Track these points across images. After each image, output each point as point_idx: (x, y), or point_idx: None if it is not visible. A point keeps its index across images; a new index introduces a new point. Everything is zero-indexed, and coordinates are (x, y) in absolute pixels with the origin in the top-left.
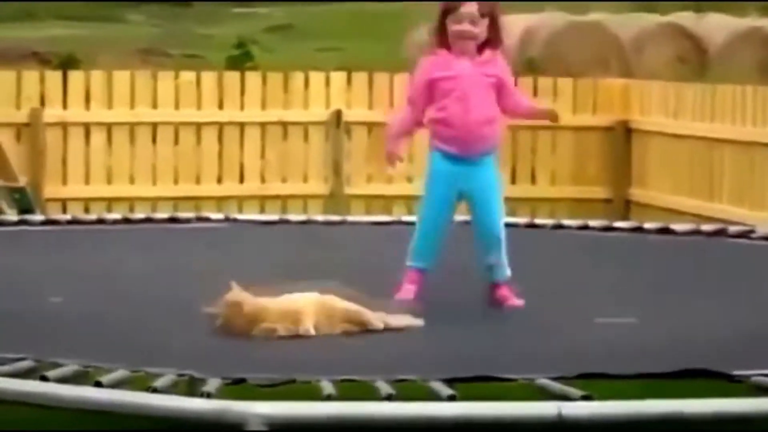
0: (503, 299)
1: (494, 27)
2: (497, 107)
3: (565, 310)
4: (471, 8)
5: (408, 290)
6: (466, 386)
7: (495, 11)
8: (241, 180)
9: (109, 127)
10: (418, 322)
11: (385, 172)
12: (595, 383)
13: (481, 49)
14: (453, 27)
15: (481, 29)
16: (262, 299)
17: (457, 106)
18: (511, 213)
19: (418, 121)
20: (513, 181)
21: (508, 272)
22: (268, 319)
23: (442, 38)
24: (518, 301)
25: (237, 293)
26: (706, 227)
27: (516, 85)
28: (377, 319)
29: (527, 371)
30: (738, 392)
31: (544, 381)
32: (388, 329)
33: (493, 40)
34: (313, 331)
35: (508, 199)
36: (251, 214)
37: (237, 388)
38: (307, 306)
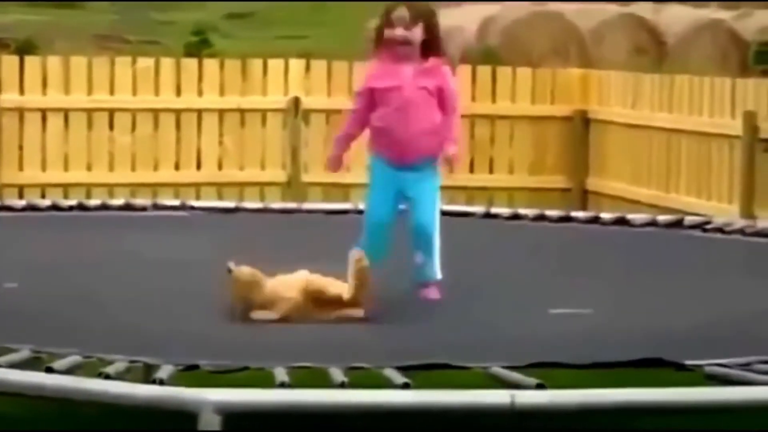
0: (424, 295)
1: (431, 31)
2: (438, 115)
3: (520, 301)
4: (402, 13)
5: None
6: (420, 375)
7: (430, 15)
8: (199, 167)
9: (66, 113)
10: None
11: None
12: (549, 372)
13: (424, 55)
14: (386, 32)
15: (414, 34)
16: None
17: (397, 116)
18: (469, 202)
19: (362, 127)
20: (471, 170)
21: (438, 275)
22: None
23: (381, 44)
24: (435, 295)
25: (247, 270)
26: (663, 218)
27: (474, 79)
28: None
29: (481, 360)
30: (691, 381)
31: (497, 369)
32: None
33: (432, 44)
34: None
35: (466, 189)
36: (208, 201)
37: (190, 375)
38: (295, 288)
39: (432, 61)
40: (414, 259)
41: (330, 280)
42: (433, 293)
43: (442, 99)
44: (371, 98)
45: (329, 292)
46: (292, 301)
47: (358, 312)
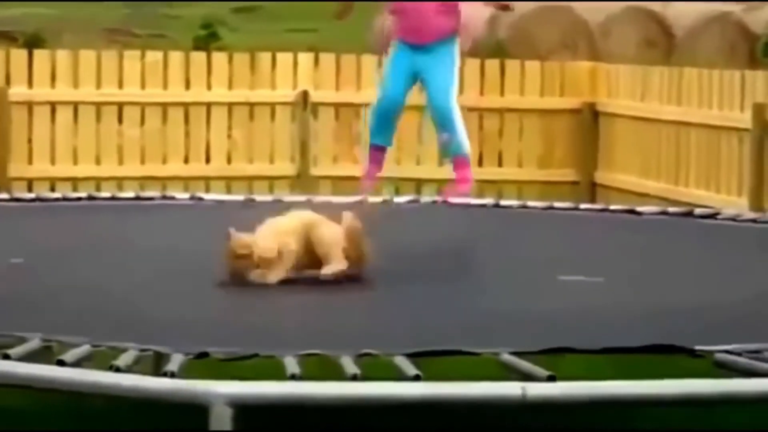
0: (457, 180)
1: None
2: None
3: (530, 273)
4: None
5: (373, 171)
6: (429, 361)
7: None
8: (208, 160)
9: (75, 107)
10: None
11: (352, 153)
12: (558, 358)
13: None
14: None
15: None
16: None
17: None
18: (479, 196)
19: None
20: (480, 163)
21: (465, 148)
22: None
23: None
24: (467, 188)
25: (241, 238)
26: (673, 209)
27: (483, 72)
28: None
29: (491, 341)
30: (700, 368)
31: (507, 357)
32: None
33: None
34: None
35: (475, 181)
36: (217, 194)
37: (200, 363)
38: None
39: None
40: (439, 138)
41: (325, 221)
42: (463, 187)
43: None
44: None
45: (325, 240)
46: (291, 254)
47: (352, 270)
